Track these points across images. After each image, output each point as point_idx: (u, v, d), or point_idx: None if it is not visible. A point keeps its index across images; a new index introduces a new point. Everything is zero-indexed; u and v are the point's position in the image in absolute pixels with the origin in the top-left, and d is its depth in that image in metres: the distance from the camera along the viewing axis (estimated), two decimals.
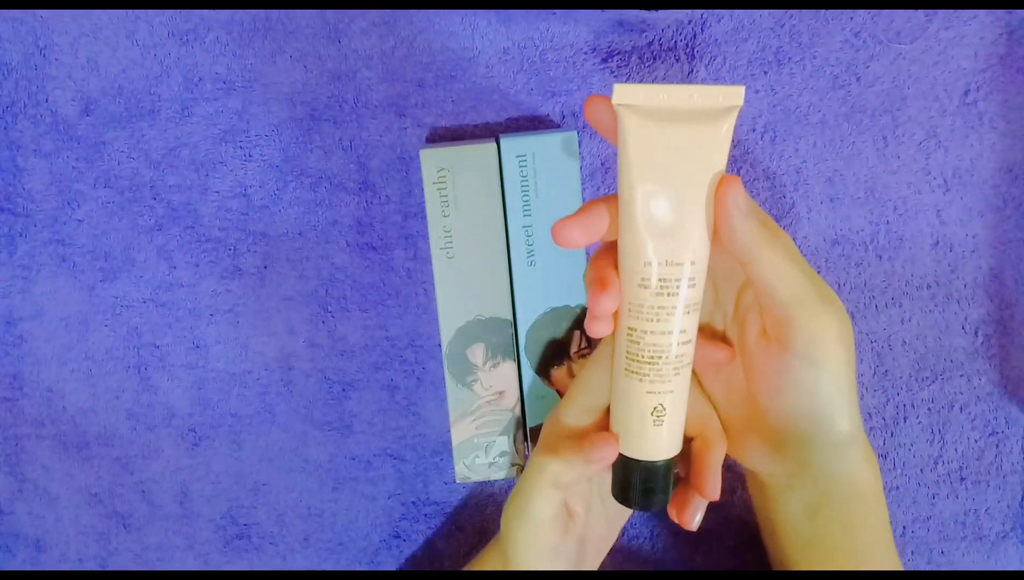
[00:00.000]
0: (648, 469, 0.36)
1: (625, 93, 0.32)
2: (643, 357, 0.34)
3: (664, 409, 0.35)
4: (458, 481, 0.46)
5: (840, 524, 0.37)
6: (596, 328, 0.35)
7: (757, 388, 0.36)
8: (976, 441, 0.48)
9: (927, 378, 0.48)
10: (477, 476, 0.46)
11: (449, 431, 0.48)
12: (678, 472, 0.40)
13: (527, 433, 0.46)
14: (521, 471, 0.46)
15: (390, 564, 0.51)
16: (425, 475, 0.50)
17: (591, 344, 0.46)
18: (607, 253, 0.35)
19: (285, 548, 0.51)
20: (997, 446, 0.48)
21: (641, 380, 0.35)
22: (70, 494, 0.50)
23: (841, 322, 0.34)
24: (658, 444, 0.36)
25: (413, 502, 0.50)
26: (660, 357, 0.34)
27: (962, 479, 0.48)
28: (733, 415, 0.38)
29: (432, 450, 0.49)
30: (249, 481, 0.50)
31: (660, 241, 0.33)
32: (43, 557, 0.51)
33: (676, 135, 0.32)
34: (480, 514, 0.50)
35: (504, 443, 0.46)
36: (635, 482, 0.36)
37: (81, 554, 0.51)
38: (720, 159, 0.32)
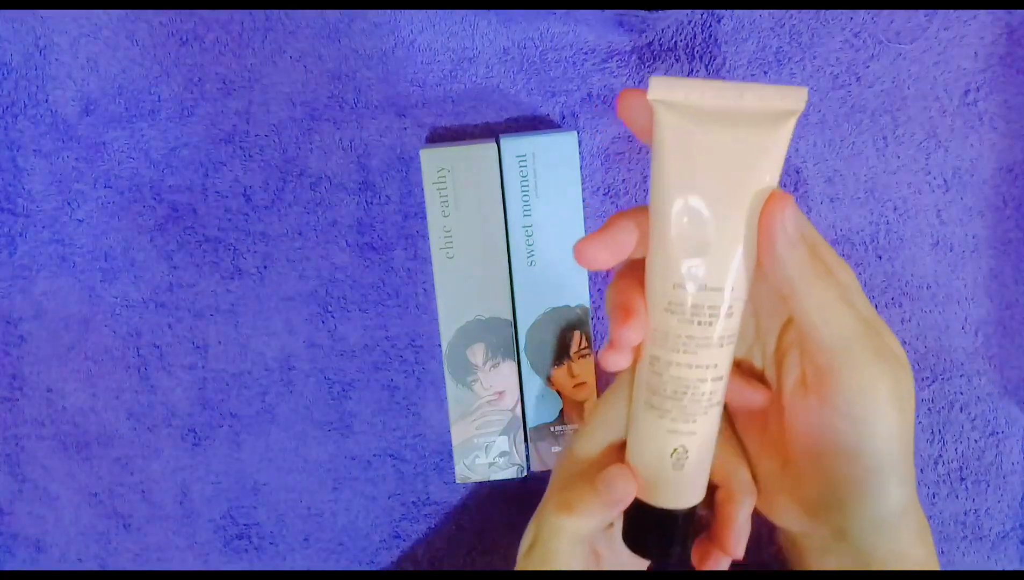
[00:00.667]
0: (664, 517, 0.32)
1: (663, 87, 0.28)
2: (666, 391, 0.30)
3: (686, 451, 0.31)
4: (458, 481, 0.46)
5: None
6: (614, 360, 0.30)
7: (792, 441, 0.32)
8: (976, 441, 0.48)
9: (927, 378, 0.48)
10: (477, 476, 0.46)
11: (449, 431, 0.48)
12: (703, 516, 0.35)
13: (527, 433, 0.46)
14: (521, 471, 0.46)
15: (390, 564, 0.51)
16: (425, 475, 0.50)
17: (591, 345, 0.46)
18: (632, 273, 0.31)
19: (285, 548, 0.51)
20: (997, 446, 0.48)
21: (662, 417, 0.30)
22: (70, 494, 0.50)
23: (896, 378, 0.29)
24: (677, 490, 0.31)
25: (413, 502, 0.50)
26: (686, 393, 0.30)
27: (962, 479, 0.48)
28: (765, 466, 0.34)
29: (432, 450, 0.49)
30: (249, 481, 0.50)
31: (695, 261, 0.28)
32: (43, 557, 0.51)
33: (722, 140, 0.27)
34: (480, 514, 0.50)
35: (504, 443, 0.46)
36: (650, 530, 0.32)
37: (81, 554, 0.51)
38: (772, 172, 0.28)
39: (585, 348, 0.45)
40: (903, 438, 0.30)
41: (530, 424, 0.46)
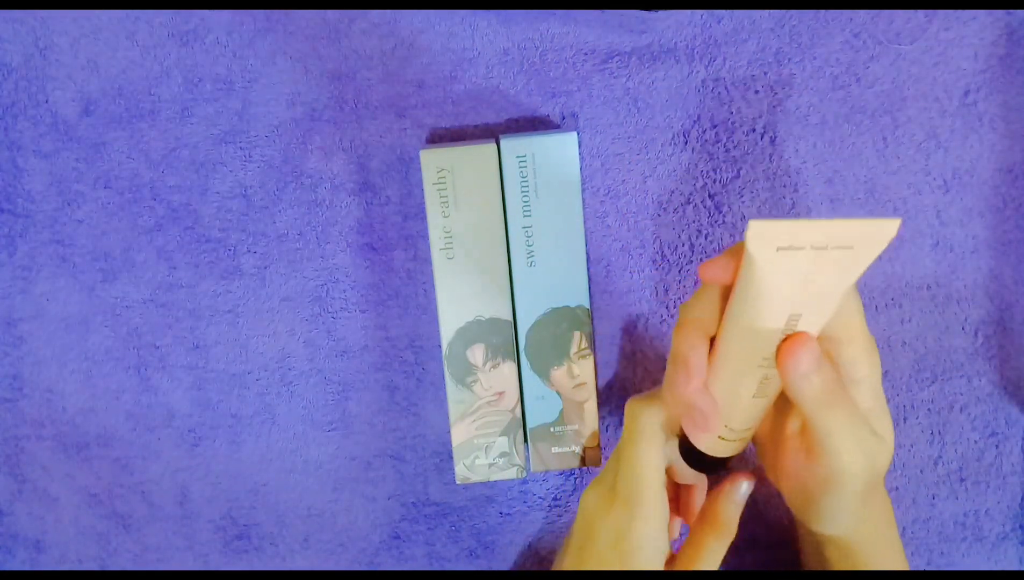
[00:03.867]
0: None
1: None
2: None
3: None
4: (458, 482, 0.46)
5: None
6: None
7: (782, 467, 0.38)
8: (976, 442, 0.48)
9: (927, 379, 0.48)
10: (477, 477, 0.46)
11: (449, 432, 0.48)
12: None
13: (527, 434, 0.46)
14: (521, 472, 0.46)
15: (390, 564, 0.51)
16: (425, 476, 0.50)
17: (591, 345, 0.46)
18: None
19: (285, 548, 0.51)
20: (997, 447, 0.48)
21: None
22: (70, 495, 0.50)
23: (871, 458, 0.34)
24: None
25: (413, 503, 0.50)
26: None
27: (962, 480, 0.48)
28: (768, 464, 0.40)
29: (432, 451, 0.49)
30: (249, 482, 0.50)
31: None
32: (43, 558, 0.51)
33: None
34: (480, 514, 0.50)
35: (504, 444, 0.46)
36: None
37: (81, 555, 0.51)
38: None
39: (585, 349, 0.45)
40: (869, 484, 0.35)
41: (530, 424, 0.46)
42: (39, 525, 0.51)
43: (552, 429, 0.46)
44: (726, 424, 0.35)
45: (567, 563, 0.41)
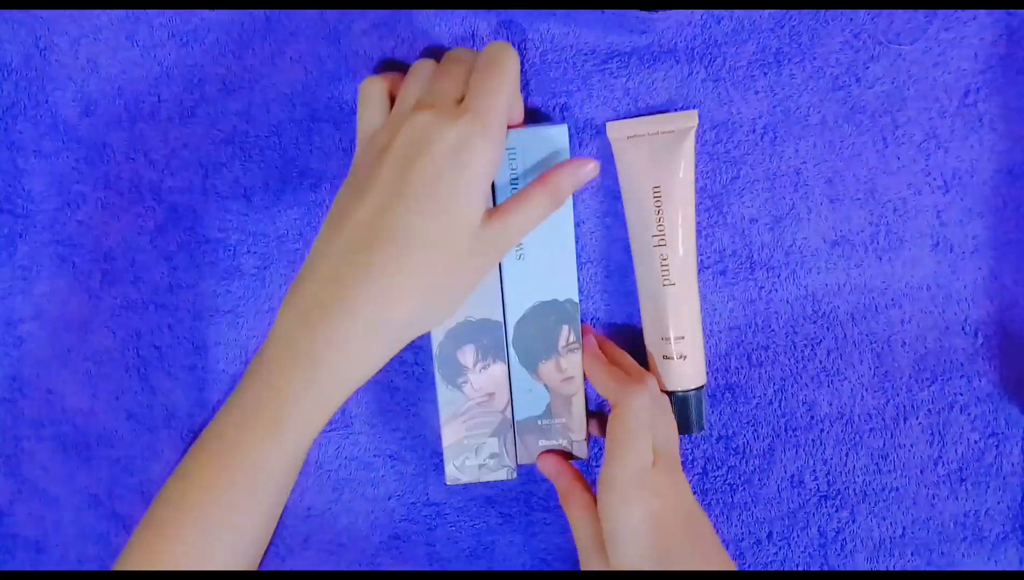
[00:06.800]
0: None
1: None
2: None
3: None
4: (448, 482, 0.46)
5: None
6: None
7: None
8: (976, 442, 0.48)
9: (927, 379, 0.48)
10: (467, 478, 0.46)
11: None
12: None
13: (516, 434, 0.46)
14: (511, 473, 0.46)
15: (390, 565, 0.51)
16: (425, 476, 0.50)
17: (580, 339, 0.46)
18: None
19: (285, 549, 0.51)
20: (997, 447, 0.48)
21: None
22: (70, 495, 0.50)
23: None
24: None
25: (413, 503, 0.50)
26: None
27: (962, 480, 0.48)
28: None
29: (432, 451, 0.49)
30: None
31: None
32: (43, 558, 0.51)
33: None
34: (480, 515, 0.50)
35: (494, 444, 0.46)
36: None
37: (81, 555, 0.51)
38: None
39: (573, 342, 0.45)
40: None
41: (518, 418, 0.46)
42: (39, 525, 0.51)
43: (540, 422, 0.46)
44: None
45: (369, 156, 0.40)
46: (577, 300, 0.45)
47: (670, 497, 0.40)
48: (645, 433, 0.41)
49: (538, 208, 0.41)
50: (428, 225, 0.37)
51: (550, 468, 0.46)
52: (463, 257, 0.38)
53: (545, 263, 0.45)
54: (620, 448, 0.40)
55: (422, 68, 0.42)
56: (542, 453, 0.46)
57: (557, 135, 0.43)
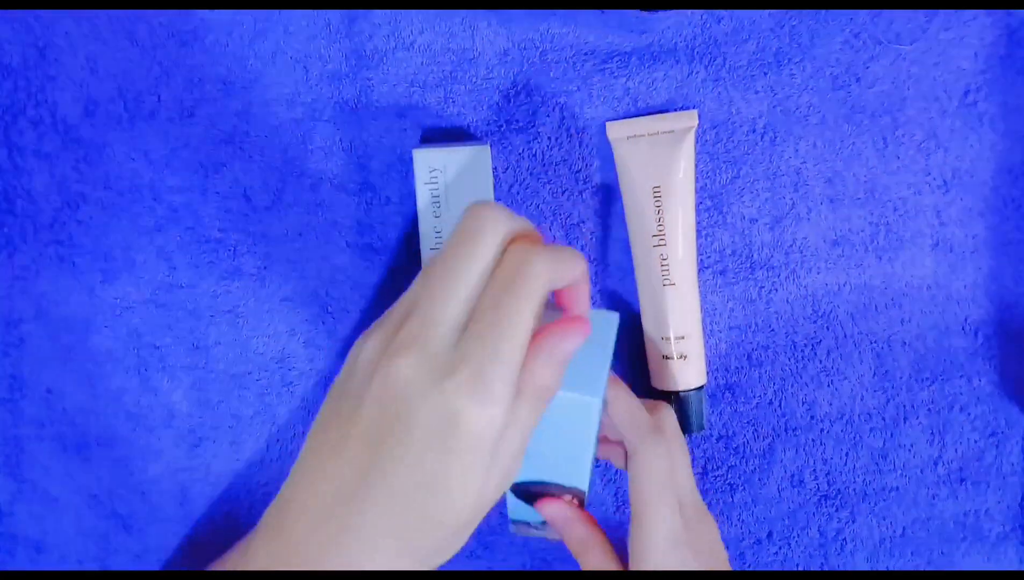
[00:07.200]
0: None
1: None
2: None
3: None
4: None
5: None
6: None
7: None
8: (976, 442, 0.48)
9: (927, 379, 0.48)
10: None
11: None
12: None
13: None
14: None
15: None
16: None
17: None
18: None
19: None
20: (997, 447, 0.48)
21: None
22: (70, 495, 0.50)
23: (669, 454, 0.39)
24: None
25: None
26: None
27: (962, 480, 0.48)
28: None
29: None
30: (249, 482, 0.50)
31: None
32: (43, 558, 0.51)
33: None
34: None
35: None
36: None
37: (81, 555, 0.51)
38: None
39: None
40: (665, 488, 0.39)
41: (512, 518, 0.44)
42: (39, 525, 0.51)
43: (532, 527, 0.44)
44: None
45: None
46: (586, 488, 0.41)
47: (704, 553, 0.39)
48: (670, 491, 0.38)
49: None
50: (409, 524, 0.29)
51: (555, 514, 0.40)
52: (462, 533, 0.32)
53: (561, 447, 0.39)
54: (646, 506, 0.38)
55: (424, 278, 0.30)
56: (542, 499, 0.40)
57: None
